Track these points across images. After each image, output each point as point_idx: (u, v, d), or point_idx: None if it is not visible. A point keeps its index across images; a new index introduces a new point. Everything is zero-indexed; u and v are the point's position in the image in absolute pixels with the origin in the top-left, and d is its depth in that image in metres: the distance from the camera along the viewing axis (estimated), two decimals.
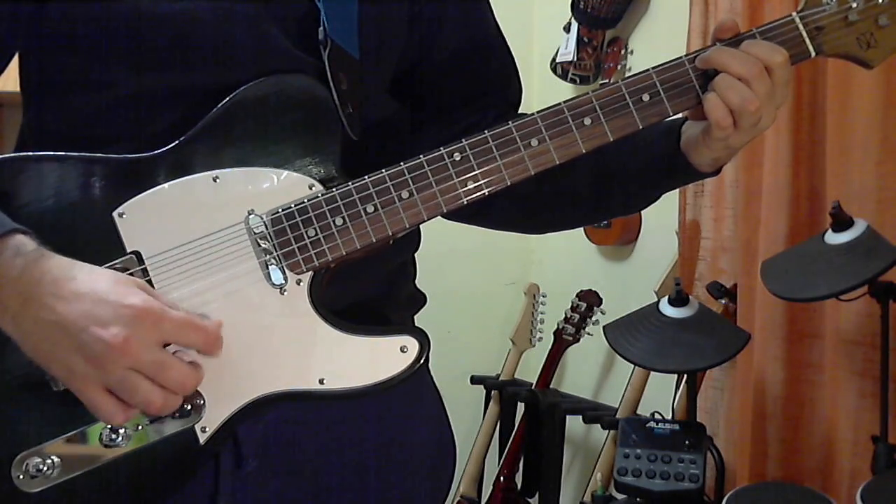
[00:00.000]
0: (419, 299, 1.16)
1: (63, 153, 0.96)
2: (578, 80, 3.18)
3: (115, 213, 0.94)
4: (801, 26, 1.02)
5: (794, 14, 1.03)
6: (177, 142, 0.96)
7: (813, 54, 1.03)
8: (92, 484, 0.92)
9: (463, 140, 0.99)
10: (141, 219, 0.95)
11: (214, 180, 0.96)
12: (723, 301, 2.45)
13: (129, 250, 0.94)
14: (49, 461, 0.91)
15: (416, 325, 1.09)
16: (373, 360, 0.96)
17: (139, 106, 0.99)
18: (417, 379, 1.07)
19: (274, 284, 0.96)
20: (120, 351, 0.84)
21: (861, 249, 1.90)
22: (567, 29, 3.21)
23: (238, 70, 0.98)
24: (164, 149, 0.96)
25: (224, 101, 0.97)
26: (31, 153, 0.96)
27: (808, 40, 1.03)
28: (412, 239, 1.14)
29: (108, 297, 0.86)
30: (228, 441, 0.97)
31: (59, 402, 0.91)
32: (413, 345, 0.97)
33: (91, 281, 0.87)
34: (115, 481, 0.93)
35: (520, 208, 1.17)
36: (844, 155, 2.11)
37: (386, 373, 0.96)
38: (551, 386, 3.11)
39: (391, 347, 0.97)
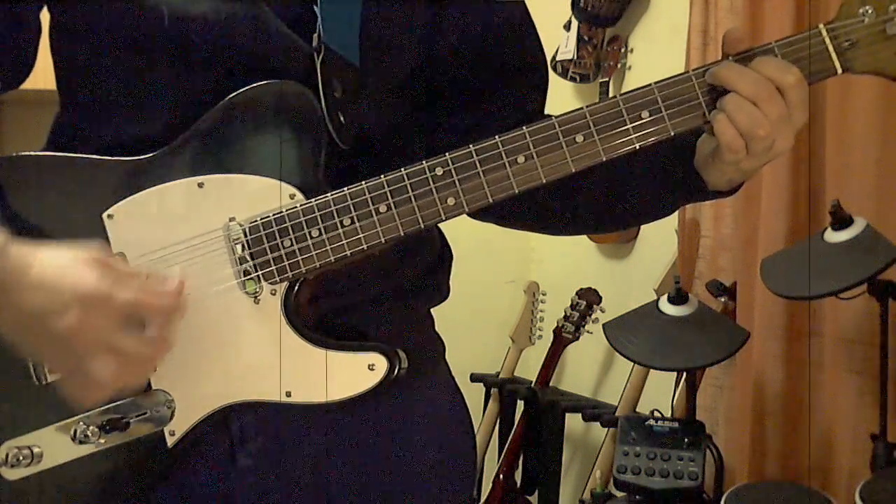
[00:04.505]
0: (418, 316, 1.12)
1: (60, 154, 0.98)
2: (578, 79, 3.19)
3: (104, 215, 0.96)
4: (828, 40, 0.93)
5: (821, 25, 0.93)
6: (167, 146, 0.97)
7: (839, 72, 0.93)
8: (65, 478, 0.95)
9: (447, 154, 0.96)
10: (128, 221, 0.96)
11: (200, 186, 0.96)
12: (722, 299, 2.45)
13: (115, 252, 0.95)
14: (26, 451, 0.94)
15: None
16: (340, 375, 0.96)
17: (138, 106, 0.99)
18: (424, 381, 1.06)
19: (248, 293, 0.96)
20: (76, 336, 0.85)
21: (860, 248, 1.90)
22: (567, 27, 3.21)
23: (236, 72, 0.97)
24: (155, 152, 0.97)
25: (214, 107, 0.97)
26: (25, 153, 0.97)
27: (834, 56, 0.93)
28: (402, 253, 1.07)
29: (62, 284, 0.86)
30: (201, 445, 0.97)
31: (41, 394, 0.94)
32: (381, 363, 0.96)
33: (48, 267, 0.87)
34: (87, 478, 0.96)
35: (530, 210, 1.14)
36: (844, 154, 2.12)
37: (351, 389, 0.96)
38: (551, 384, 3.12)
39: (359, 364, 0.96)
